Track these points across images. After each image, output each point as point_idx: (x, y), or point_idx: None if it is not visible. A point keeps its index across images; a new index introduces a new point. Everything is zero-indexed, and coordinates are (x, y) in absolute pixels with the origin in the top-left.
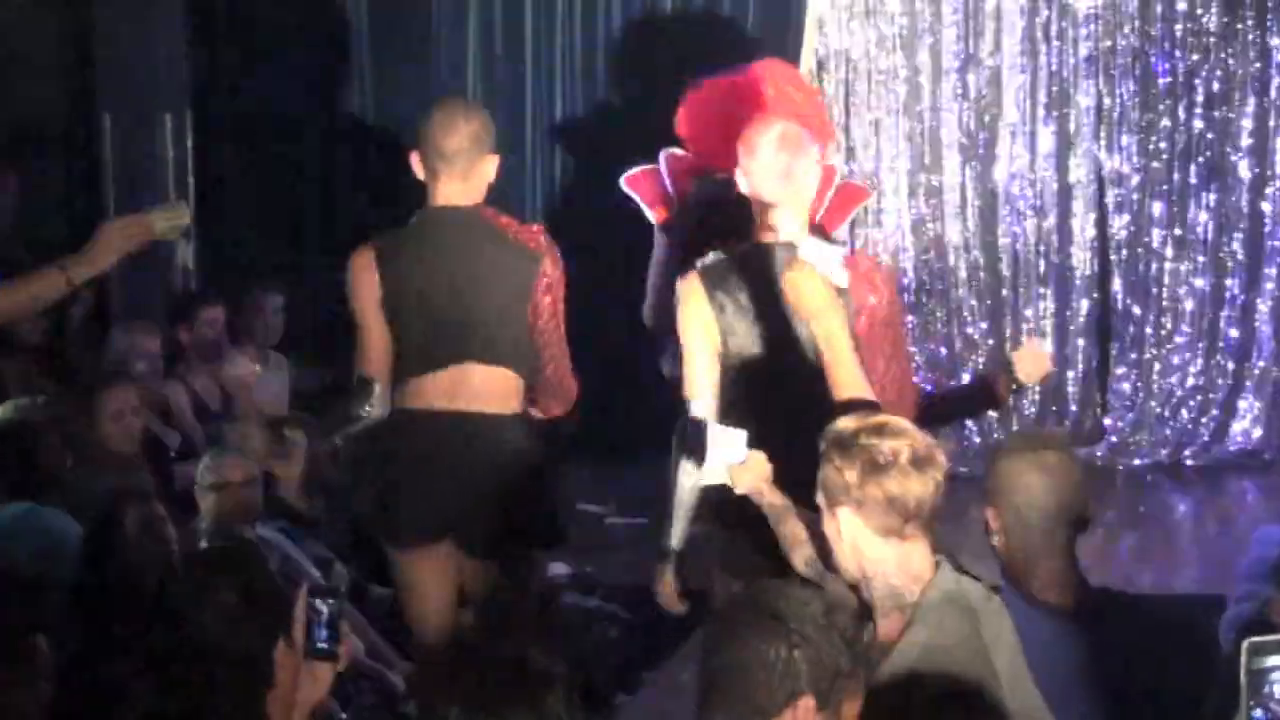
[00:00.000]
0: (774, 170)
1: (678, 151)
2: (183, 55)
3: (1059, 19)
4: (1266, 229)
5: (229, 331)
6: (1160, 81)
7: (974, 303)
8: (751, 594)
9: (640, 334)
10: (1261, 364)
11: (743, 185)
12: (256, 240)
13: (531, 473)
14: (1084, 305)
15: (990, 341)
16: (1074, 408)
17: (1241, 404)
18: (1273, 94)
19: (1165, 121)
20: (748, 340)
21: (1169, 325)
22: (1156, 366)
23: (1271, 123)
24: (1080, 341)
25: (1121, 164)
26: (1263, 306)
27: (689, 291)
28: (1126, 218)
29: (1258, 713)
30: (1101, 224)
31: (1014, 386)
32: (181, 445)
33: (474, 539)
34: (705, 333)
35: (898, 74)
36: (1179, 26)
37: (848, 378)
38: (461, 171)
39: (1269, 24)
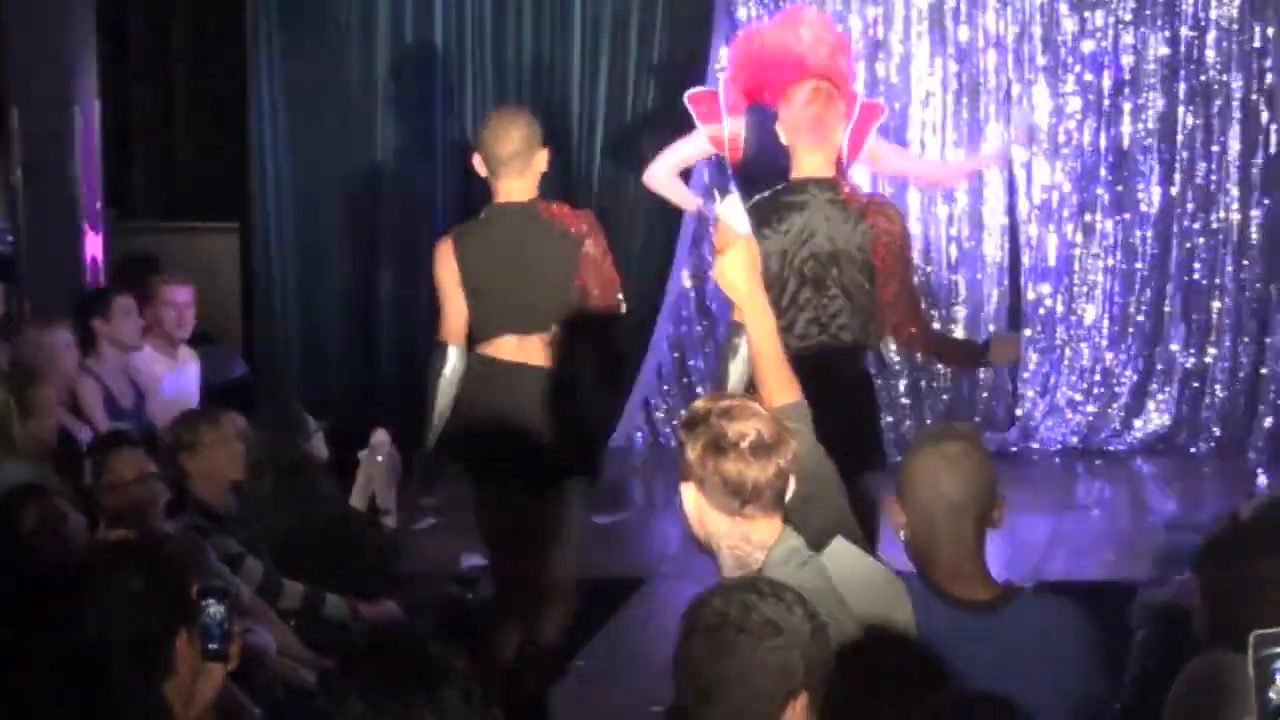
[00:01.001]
0: (805, 120)
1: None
2: (92, 48)
3: (969, 5)
4: (1175, 216)
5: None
6: (1070, 68)
7: None
8: (738, 599)
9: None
10: (1173, 347)
11: (781, 133)
12: (169, 232)
13: (569, 414)
14: (995, 292)
15: None
16: (985, 394)
17: (1152, 390)
18: (1180, 81)
19: (1075, 108)
20: (779, 261)
21: (1079, 312)
22: (1067, 353)
23: (1179, 110)
24: (991, 328)
25: (1032, 151)
26: (1172, 293)
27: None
28: (1037, 205)
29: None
30: (1012, 211)
31: (983, 362)
32: (92, 440)
33: (528, 468)
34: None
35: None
36: (1090, 13)
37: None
38: (517, 170)
39: (1178, 10)
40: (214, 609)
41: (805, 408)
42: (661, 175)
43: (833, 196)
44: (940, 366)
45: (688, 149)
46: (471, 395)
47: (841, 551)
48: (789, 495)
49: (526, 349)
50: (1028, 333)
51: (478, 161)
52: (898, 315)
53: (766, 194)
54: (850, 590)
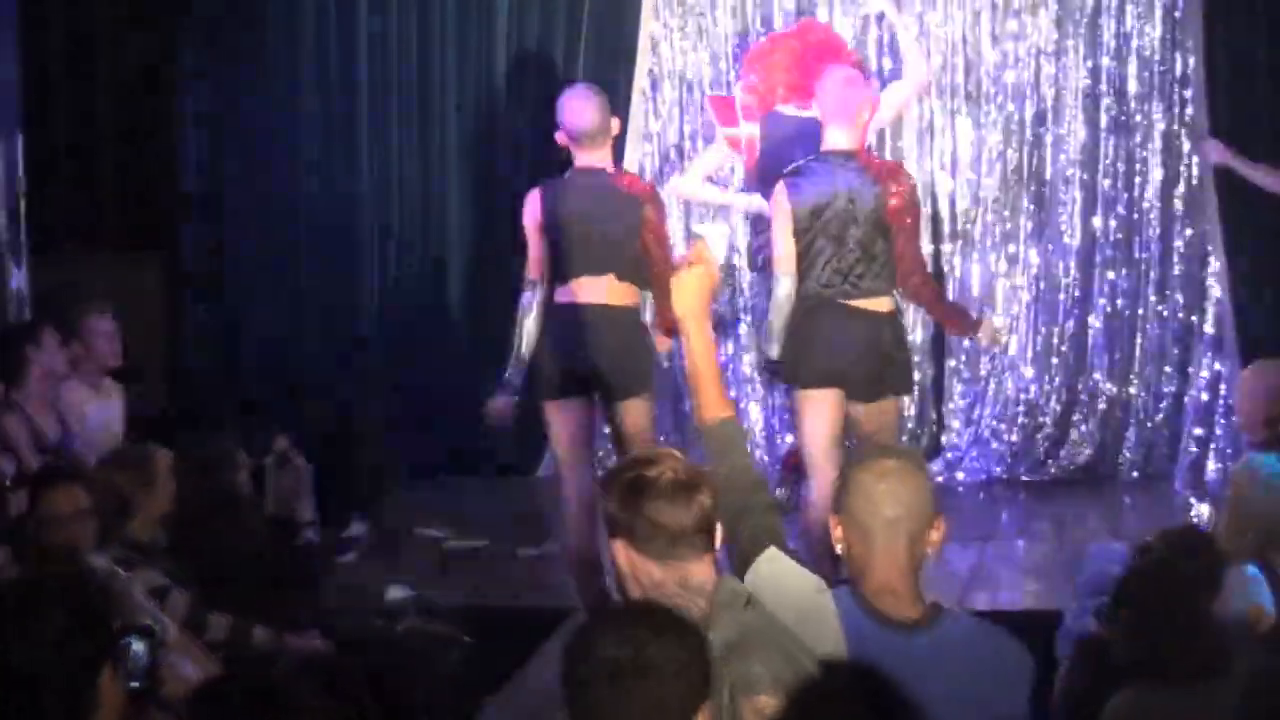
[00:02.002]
0: (836, 101)
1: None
2: (14, 76)
3: (892, 37)
4: (1098, 246)
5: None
6: (993, 99)
7: None
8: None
9: (470, 355)
10: (1096, 377)
11: (816, 113)
12: (91, 263)
13: (636, 344)
14: (917, 320)
15: None
16: (910, 424)
17: (1075, 420)
18: (1102, 112)
19: (997, 139)
20: (808, 218)
21: (1000, 341)
22: (992, 383)
23: (1101, 140)
24: (917, 358)
25: (956, 180)
26: (1095, 323)
27: (778, 192)
28: (960, 234)
29: None
30: (936, 240)
31: (971, 333)
32: (16, 473)
33: (601, 388)
34: (786, 222)
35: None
36: (1011, 44)
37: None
38: (594, 142)
39: (1100, 41)
40: (137, 646)
41: (737, 424)
42: (693, 184)
43: (855, 166)
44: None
45: (710, 155)
46: (553, 330)
47: (772, 563)
48: (717, 539)
49: (596, 289)
50: (951, 364)
51: (560, 137)
52: (905, 265)
53: (800, 162)
54: (779, 602)
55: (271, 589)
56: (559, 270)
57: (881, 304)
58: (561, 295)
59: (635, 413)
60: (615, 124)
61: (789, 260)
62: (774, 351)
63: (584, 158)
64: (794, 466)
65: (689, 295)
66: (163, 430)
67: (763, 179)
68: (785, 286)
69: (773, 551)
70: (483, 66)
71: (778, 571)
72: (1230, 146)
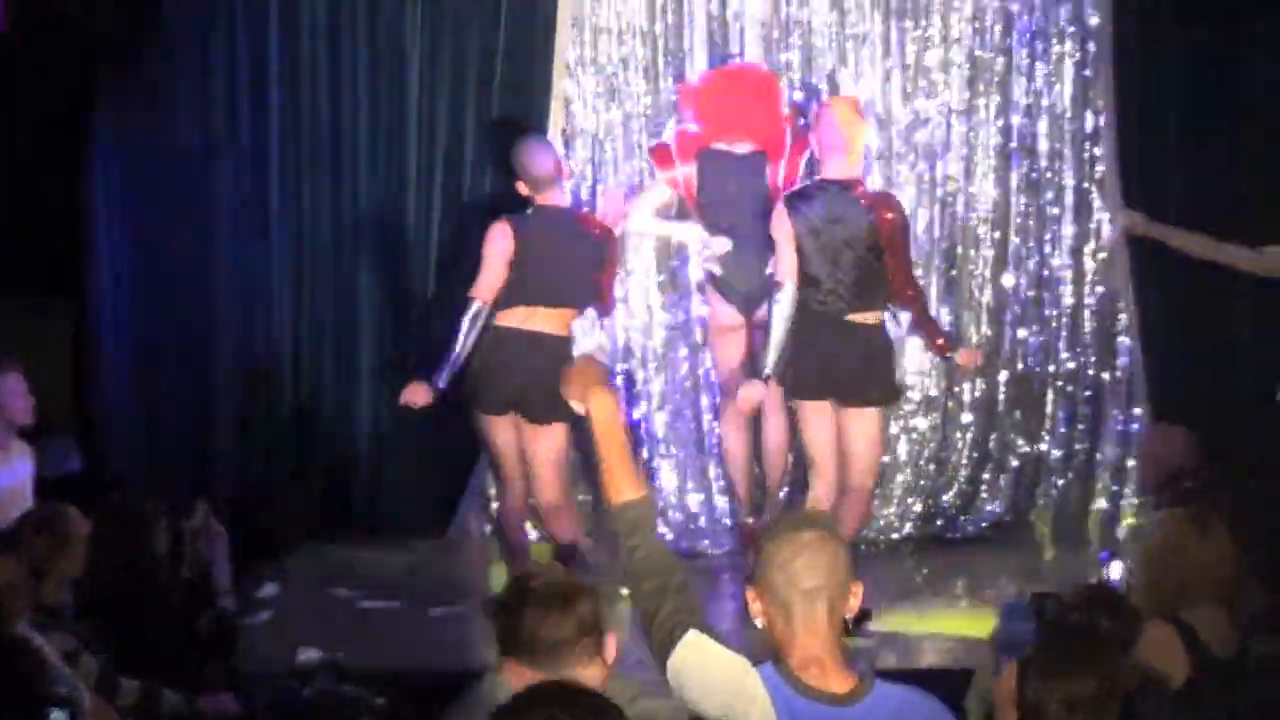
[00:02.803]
0: (832, 135)
1: (687, 128)
2: None
3: (807, 94)
4: (1008, 304)
5: None
6: (904, 158)
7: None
8: None
9: (378, 416)
10: (1008, 435)
11: (748, 148)
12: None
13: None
14: None
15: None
16: None
17: (986, 478)
18: (1013, 170)
19: (908, 197)
20: (811, 241)
21: (914, 398)
22: (903, 440)
23: (1012, 199)
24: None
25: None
26: (1006, 380)
27: (778, 213)
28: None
29: None
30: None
31: (948, 356)
32: None
33: (531, 410)
34: (787, 237)
35: (642, 151)
36: (923, 102)
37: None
38: (553, 185)
39: (1011, 100)
40: (58, 715)
41: (649, 504)
42: (644, 221)
43: (850, 194)
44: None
45: (651, 196)
46: (502, 352)
47: (695, 648)
48: (610, 647)
49: (551, 320)
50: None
51: (521, 186)
52: (898, 282)
53: (799, 186)
54: (705, 686)
55: (185, 653)
56: (515, 298)
57: (871, 318)
58: (510, 320)
59: (558, 437)
60: (568, 168)
61: (792, 270)
62: (769, 362)
63: (545, 198)
64: (752, 537)
65: (578, 382)
66: (72, 489)
67: (701, 213)
68: (788, 292)
69: (693, 635)
70: (393, 125)
71: (701, 655)
72: (1142, 214)
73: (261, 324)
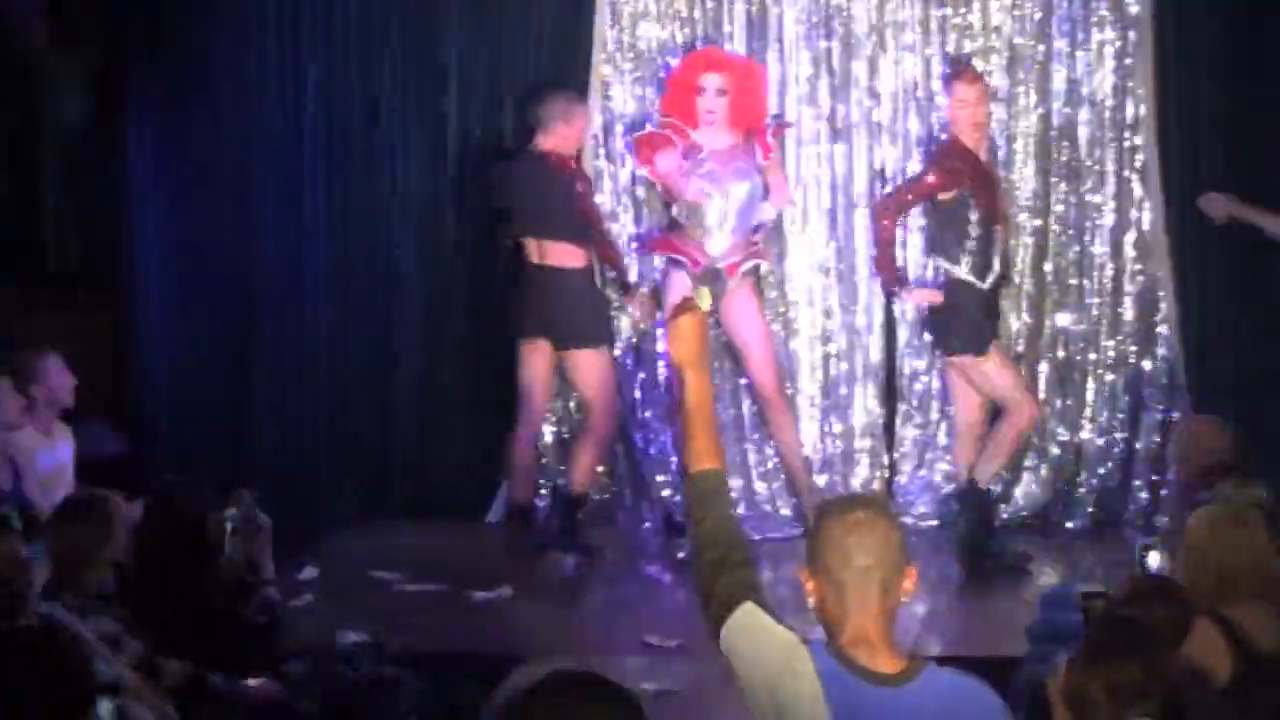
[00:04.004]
0: None
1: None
2: None
3: (842, 84)
4: (1048, 292)
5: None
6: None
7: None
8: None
9: (420, 400)
10: (1048, 423)
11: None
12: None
13: (591, 299)
14: (866, 366)
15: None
16: (863, 469)
17: (1028, 465)
18: (1053, 157)
19: None
20: None
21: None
22: (943, 426)
23: (1052, 187)
24: (867, 405)
25: (908, 228)
26: (1046, 369)
27: None
28: (911, 278)
29: None
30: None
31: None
32: None
33: (558, 336)
34: None
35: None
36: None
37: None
38: (545, 130)
39: (1049, 88)
40: (105, 706)
41: (722, 477)
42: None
43: None
44: None
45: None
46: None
47: (748, 619)
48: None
49: (551, 252)
50: (902, 407)
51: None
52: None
53: None
54: (755, 659)
55: (230, 637)
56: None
57: None
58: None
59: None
60: (577, 116)
61: None
62: None
63: (538, 141)
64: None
65: (690, 341)
66: (112, 474)
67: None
68: None
69: (749, 607)
70: (432, 115)
71: (754, 627)
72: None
73: (301, 310)
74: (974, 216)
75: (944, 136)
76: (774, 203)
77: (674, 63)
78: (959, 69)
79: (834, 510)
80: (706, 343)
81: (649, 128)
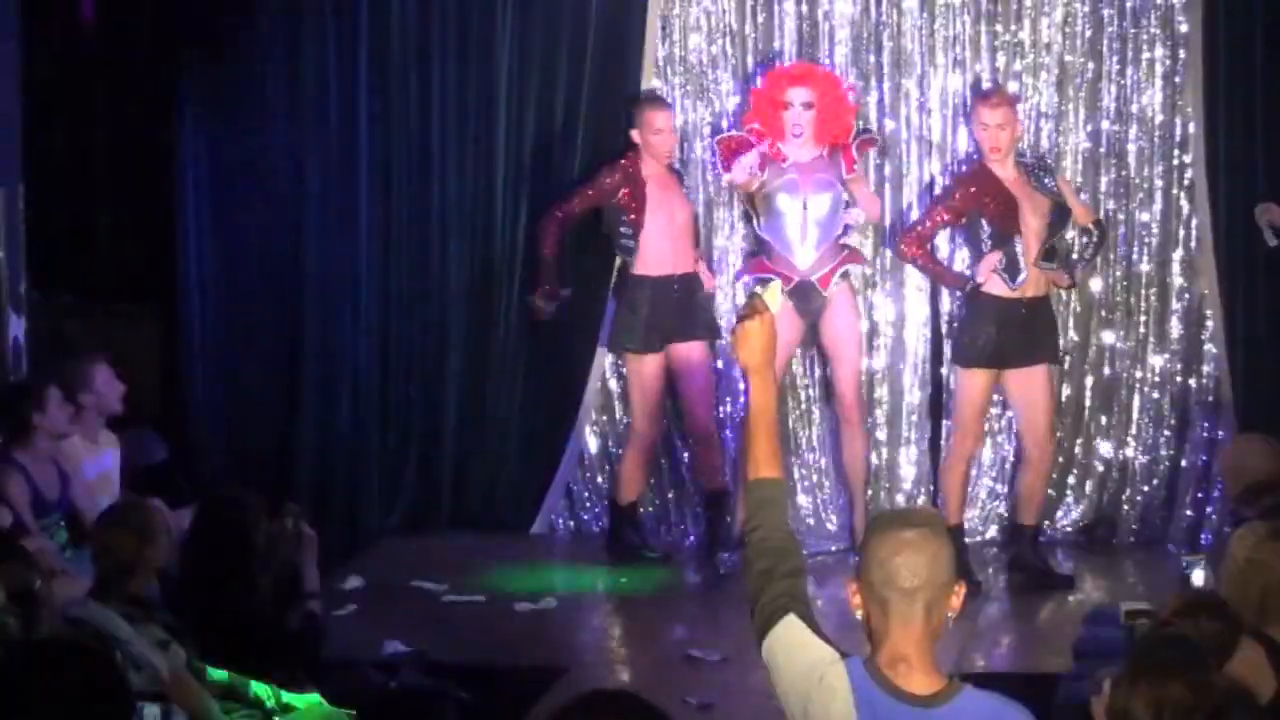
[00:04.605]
0: None
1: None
2: (17, 127)
3: (892, 99)
4: (1094, 308)
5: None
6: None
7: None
8: None
9: (465, 413)
10: (1094, 440)
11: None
12: (85, 314)
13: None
14: (913, 381)
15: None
16: (907, 485)
17: (1072, 482)
18: (1102, 174)
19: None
20: None
21: (996, 402)
22: (988, 443)
23: (1100, 204)
24: (914, 419)
25: (955, 242)
26: (1092, 385)
27: None
28: (959, 296)
29: None
30: (934, 300)
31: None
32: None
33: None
34: None
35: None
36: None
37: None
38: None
39: (1100, 105)
40: (150, 711)
41: (783, 485)
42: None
43: None
44: None
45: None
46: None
47: (790, 631)
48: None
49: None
50: (946, 423)
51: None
52: None
53: None
54: (792, 671)
55: (274, 647)
56: None
57: None
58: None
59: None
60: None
61: None
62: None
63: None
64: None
65: (756, 345)
66: (157, 483)
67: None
68: None
69: (792, 619)
70: (482, 126)
71: (794, 639)
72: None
73: (349, 320)
74: (984, 233)
75: (976, 156)
76: (864, 208)
77: (758, 80)
78: (983, 91)
79: (884, 526)
80: (773, 348)
81: (732, 132)
